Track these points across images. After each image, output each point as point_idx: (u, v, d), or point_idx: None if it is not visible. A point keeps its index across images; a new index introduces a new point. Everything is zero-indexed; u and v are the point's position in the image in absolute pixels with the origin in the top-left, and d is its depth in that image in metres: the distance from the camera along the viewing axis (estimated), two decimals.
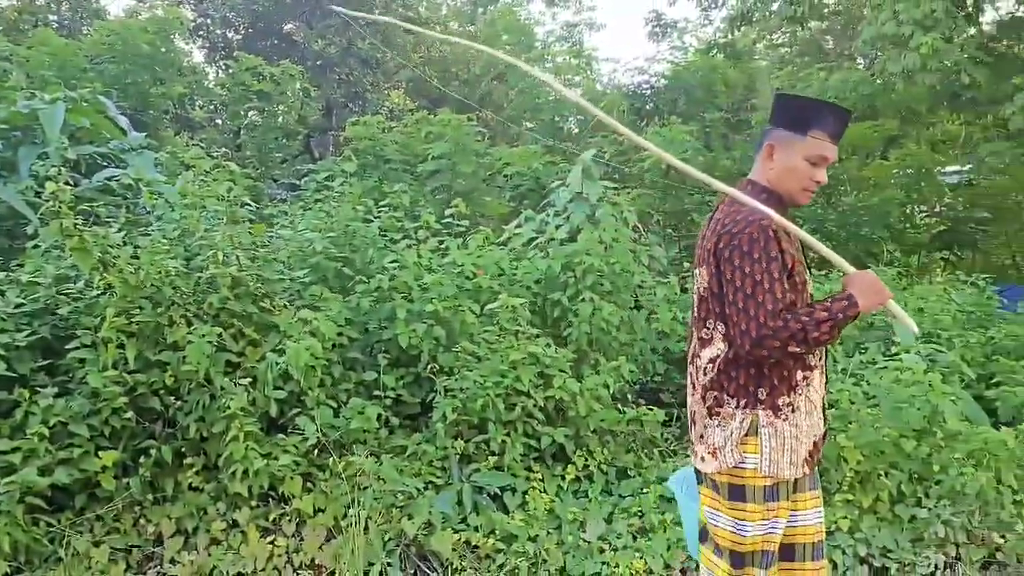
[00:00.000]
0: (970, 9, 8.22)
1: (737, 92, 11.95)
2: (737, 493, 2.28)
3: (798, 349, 2.15)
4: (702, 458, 2.36)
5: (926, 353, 5.09)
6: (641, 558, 3.69)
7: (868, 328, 5.86)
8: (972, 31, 8.55)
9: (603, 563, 3.67)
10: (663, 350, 5.20)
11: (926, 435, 4.07)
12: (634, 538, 3.83)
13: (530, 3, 17.79)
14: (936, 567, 3.78)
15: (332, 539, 3.60)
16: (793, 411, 2.25)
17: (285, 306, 4.19)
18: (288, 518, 3.65)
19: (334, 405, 3.95)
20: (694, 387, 2.40)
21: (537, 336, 4.40)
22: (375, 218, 5.14)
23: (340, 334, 4.11)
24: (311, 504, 3.64)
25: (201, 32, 14.78)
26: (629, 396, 4.86)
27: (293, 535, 3.61)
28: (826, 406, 2.42)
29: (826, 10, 15.10)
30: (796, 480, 2.32)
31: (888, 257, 9.49)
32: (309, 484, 3.77)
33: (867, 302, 2.17)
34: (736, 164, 9.60)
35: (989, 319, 6.38)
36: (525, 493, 3.97)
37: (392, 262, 4.63)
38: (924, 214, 10.75)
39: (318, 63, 12.84)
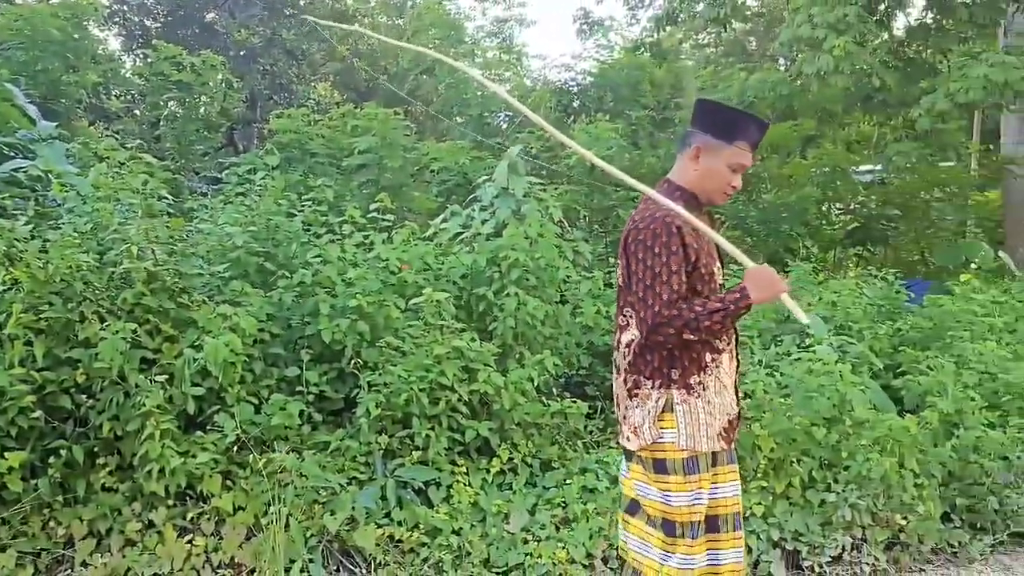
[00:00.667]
0: (881, 15, 8.55)
1: (663, 91, 12.16)
2: (660, 467, 2.46)
3: (693, 337, 2.33)
4: (627, 437, 2.53)
5: (838, 344, 5.31)
6: (563, 548, 3.74)
7: (784, 321, 6.06)
8: (884, 36, 8.90)
9: (526, 554, 3.71)
10: (587, 344, 5.27)
11: (836, 423, 4.24)
12: (557, 528, 3.88)
13: None
14: (844, 548, 3.95)
15: (252, 537, 3.55)
16: (704, 389, 2.44)
17: (204, 301, 4.10)
18: (207, 517, 3.58)
19: (255, 402, 3.89)
20: (618, 371, 2.57)
21: (462, 330, 4.41)
22: (299, 212, 5.08)
23: (261, 330, 4.05)
24: (230, 502, 3.57)
25: (117, 19, 14.27)
26: (554, 389, 4.92)
27: (212, 534, 3.54)
28: (739, 388, 2.58)
29: (749, 12, 15.50)
30: (715, 454, 2.48)
31: (805, 253, 9.83)
32: (229, 482, 3.70)
33: (759, 295, 2.31)
34: (661, 162, 9.77)
35: (897, 312, 6.67)
36: (449, 487, 3.98)
37: (315, 257, 4.58)
38: (839, 211, 11.15)
39: (241, 53, 12.53)
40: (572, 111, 10.74)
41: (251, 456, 3.68)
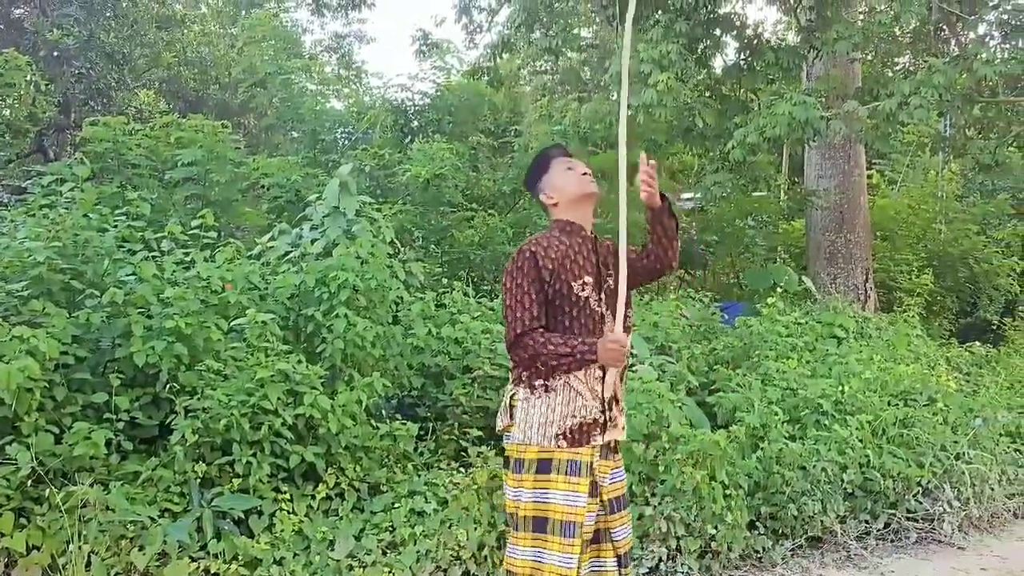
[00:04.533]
0: (700, 54, 9.13)
1: (502, 115, 12.41)
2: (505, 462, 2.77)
3: (542, 367, 2.59)
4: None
5: (658, 364, 5.58)
6: (390, 572, 3.70)
7: None
8: (703, 74, 9.52)
9: None
10: (419, 365, 5.26)
11: (653, 439, 4.46)
12: (384, 553, 3.83)
13: (297, 9, 17.30)
14: (660, 559, 4.14)
15: None
16: (548, 391, 2.62)
17: None
18: None
19: (56, 431, 3.60)
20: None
21: (289, 352, 4.29)
22: (112, 227, 4.76)
23: (65, 353, 3.76)
24: (23, 541, 3.28)
25: None
26: (384, 412, 4.87)
27: None
28: (606, 398, 2.67)
29: (582, 43, 16.10)
30: (545, 461, 2.61)
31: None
32: (23, 519, 3.40)
33: (603, 359, 2.56)
34: (498, 185, 9.97)
35: (713, 333, 7.11)
36: (272, 515, 3.84)
37: (129, 274, 4.31)
38: None
39: (54, 54, 11.65)
40: (410, 131, 10.73)
41: (48, 490, 3.39)
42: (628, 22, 2.99)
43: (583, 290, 2.68)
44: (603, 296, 2.73)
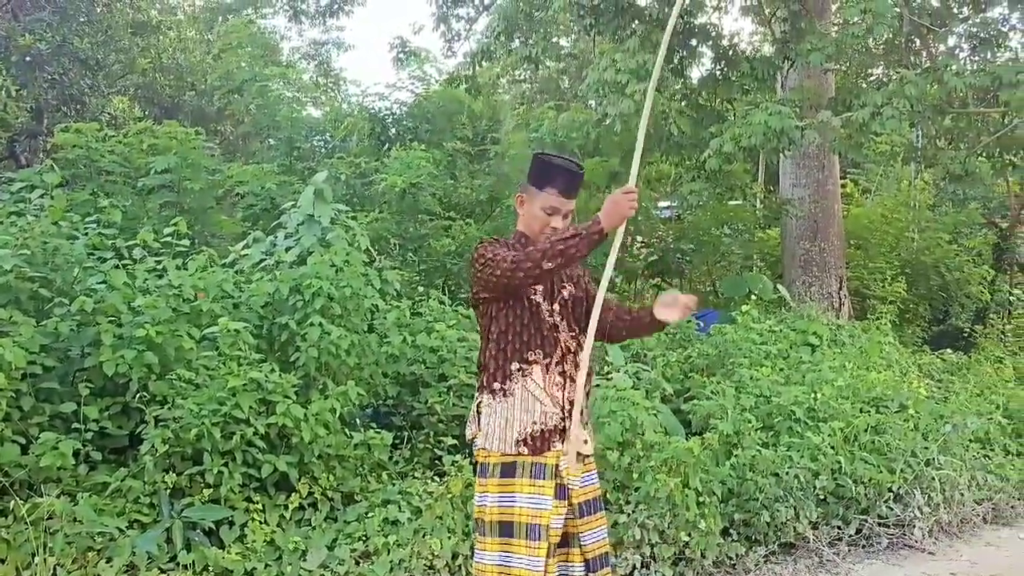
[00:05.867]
0: (677, 64, 9.20)
1: (481, 123, 12.40)
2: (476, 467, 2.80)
3: (551, 264, 2.48)
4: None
5: (633, 371, 5.61)
6: None
7: None
8: (679, 84, 9.60)
9: None
10: (394, 373, 5.24)
11: (628, 447, 4.47)
12: (357, 563, 3.81)
13: (274, 16, 17.23)
14: (634, 567, 4.15)
15: None
16: (506, 396, 2.64)
17: None
18: None
19: (22, 441, 3.55)
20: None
21: (262, 361, 4.26)
22: (83, 235, 4.71)
23: (33, 362, 3.71)
24: None
25: None
26: (358, 420, 4.84)
27: None
28: (566, 404, 2.68)
29: (562, 52, 16.19)
30: (509, 465, 2.63)
31: (610, 284, 10.31)
32: None
33: (608, 221, 2.55)
34: (476, 193, 9.96)
35: (688, 340, 7.14)
36: (244, 525, 3.81)
37: (100, 283, 4.26)
38: (641, 244, 11.81)
39: (26, 59, 11.52)
40: (388, 139, 10.70)
41: (13, 502, 3.34)
42: (655, 72, 2.99)
43: (534, 294, 2.71)
44: (556, 307, 2.75)
